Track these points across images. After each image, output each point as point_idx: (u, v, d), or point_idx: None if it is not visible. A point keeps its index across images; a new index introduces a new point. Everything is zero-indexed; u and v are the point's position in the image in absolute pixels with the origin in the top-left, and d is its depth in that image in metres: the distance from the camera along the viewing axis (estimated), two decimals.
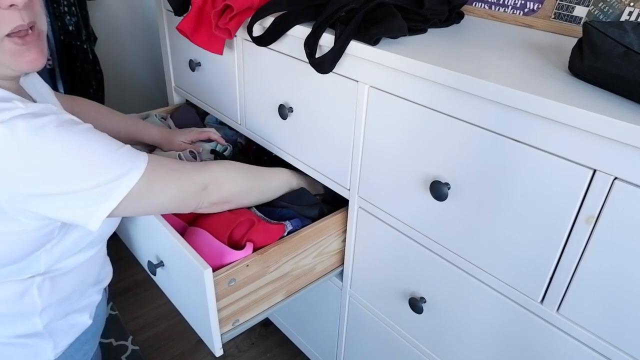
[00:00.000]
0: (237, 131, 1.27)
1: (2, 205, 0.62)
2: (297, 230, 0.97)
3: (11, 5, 0.63)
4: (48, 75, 1.65)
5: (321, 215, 1.03)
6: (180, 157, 1.19)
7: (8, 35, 0.64)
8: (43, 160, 0.62)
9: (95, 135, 0.69)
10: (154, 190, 0.74)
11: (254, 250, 0.91)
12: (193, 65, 1.28)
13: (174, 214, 1.01)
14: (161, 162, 0.77)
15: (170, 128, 1.39)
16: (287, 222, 0.97)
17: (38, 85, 0.86)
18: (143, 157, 0.73)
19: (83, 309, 0.87)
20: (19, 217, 0.65)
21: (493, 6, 1.00)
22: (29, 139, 0.60)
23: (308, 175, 1.07)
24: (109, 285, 0.98)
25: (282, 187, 1.03)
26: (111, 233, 0.89)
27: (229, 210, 1.04)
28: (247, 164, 0.96)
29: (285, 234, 0.96)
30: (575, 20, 0.90)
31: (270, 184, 1.00)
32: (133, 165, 0.70)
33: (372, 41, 0.77)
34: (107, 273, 0.95)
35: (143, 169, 0.71)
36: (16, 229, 0.66)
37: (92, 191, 0.66)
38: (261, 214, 1.01)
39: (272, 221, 0.98)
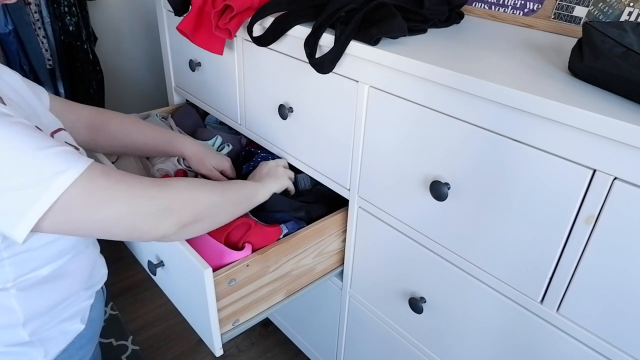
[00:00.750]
0: (239, 132, 1.27)
1: None
2: (292, 233, 0.97)
3: None
4: (48, 75, 1.65)
5: (310, 217, 1.03)
6: (178, 162, 1.19)
7: None
8: None
9: (23, 129, 0.58)
10: (91, 202, 0.61)
11: (252, 251, 0.91)
12: (193, 65, 1.28)
13: None
14: (107, 171, 0.64)
15: (171, 128, 1.39)
16: (283, 225, 0.97)
17: (16, 92, 0.79)
18: (82, 160, 0.61)
19: (74, 316, 0.81)
20: None
21: (493, 6, 1.00)
22: None
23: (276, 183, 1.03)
24: (109, 285, 0.97)
25: (254, 195, 0.94)
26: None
27: None
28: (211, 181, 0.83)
29: (282, 236, 0.96)
30: (575, 20, 0.90)
31: (242, 193, 0.90)
32: (67, 167, 0.58)
33: (372, 41, 0.77)
34: (100, 276, 0.88)
35: (78, 173, 0.59)
36: None
37: (12, 194, 0.55)
38: (256, 219, 1.01)
39: (267, 224, 0.98)
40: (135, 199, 0.66)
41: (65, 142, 0.80)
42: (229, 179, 1.13)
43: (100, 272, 0.89)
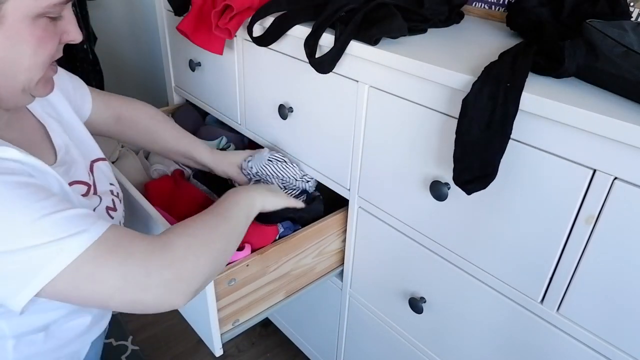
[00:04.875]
0: (239, 133, 1.27)
1: None
2: (288, 233, 0.97)
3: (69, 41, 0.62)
4: None
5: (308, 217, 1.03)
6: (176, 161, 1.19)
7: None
8: None
9: (27, 195, 0.53)
10: (86, 277, 0.55)
11: (252, 251, 0.91)
12: (193, 65, 1.28)
13: (171, 213, 1.01)
14: (115, 240, 0.57)
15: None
16: (279, 224, 0.97)
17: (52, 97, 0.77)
18: (86, 234, 0.55)
19: (66, 356, 0.75)
20: None
21: (493, 6, 1.00)
22: None
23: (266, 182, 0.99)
24: None
25: (250, 212, 0.82)
26: None
27: None
28: (199, 219, 0.71)
29: (277, 237, 0.95)
30: None
31: (239, 219, 0.77)
32: (82, 230, 0.54)
33: (372, 41, 0.77)
34: (100, 327, 0.81)
35: (82, 249, 0.54)
36: None
37: (11, 264, 0.51)
38: None
39: (264, 224, 0.98)
40: (134, 276, 0.58)
41: (104, 175, 0.80)
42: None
43: (100, 323, 0.83)
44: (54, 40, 0.60)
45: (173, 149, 1.05)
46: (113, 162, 1.16)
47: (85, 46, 1.69)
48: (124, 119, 1.00)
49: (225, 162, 1.06)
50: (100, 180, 0.78)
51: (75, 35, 0.62)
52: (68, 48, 1.66)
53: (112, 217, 0.75)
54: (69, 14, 0.61)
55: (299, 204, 0.97)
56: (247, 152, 1.08)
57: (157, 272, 0.58)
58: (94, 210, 0.72)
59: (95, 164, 0.79)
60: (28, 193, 0.54)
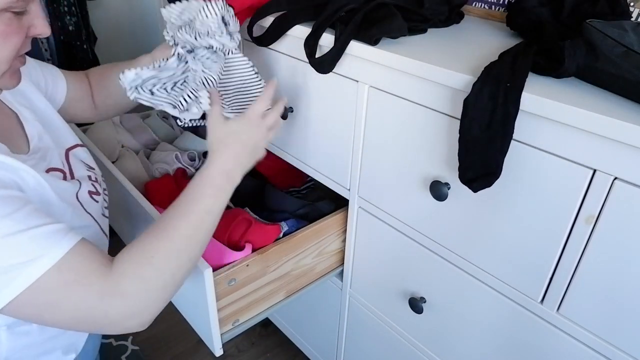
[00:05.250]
0: None
1: None
2: (293, 230, 0.97)
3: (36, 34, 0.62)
4: None
5: (315, 215, 1.03)
6: (178, 160, 1.19)
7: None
8: None
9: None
10: (51, 300, 0.56)
11: (252, 251, 0.91)
12: None
13: None
14: (83, 261, 0.58)
15: (173, 129, 1.39)
16: (283, 222, 0.97)
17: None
18: (54, 250, 0.55)
19: (62, 347, 0.75)
20: None
21: (493, 6, 1.00)
22: None
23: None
24: None
25: (216, 202, 0.71)
26: None
27: (227, 210, 1.04)
28: (157, 232, 0.65)
29: (281, 235, 0.96)
30: None
31: (198, 218, 0.69)
32: (38, 256, 0.55)
33: (372, 41, 0.77)
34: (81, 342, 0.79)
35: (48, 266, 0.54)
36: None
37: None
38: (256, 216, 1.01)
39: (267, 222, 0.99)
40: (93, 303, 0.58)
41: (81, 161, 0.80)
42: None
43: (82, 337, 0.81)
44: (19, 34, 0.60)
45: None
46: (113, 162, 1.15)
47: (85, 46, 1.69)
48: (95, 87, 0.96)
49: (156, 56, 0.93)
50: (77, 167, 0.77)
51: (42, 29, 0.62)
52: (68, 48, 1.66)
53: (97, 201, 0.76)
54: (35, 8, 0.61)
55: (278, 109, 0.81)
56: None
57: (110, 306, 0.58)
58: (77, 193, 0.71)
59: (71, 152, 0.79)
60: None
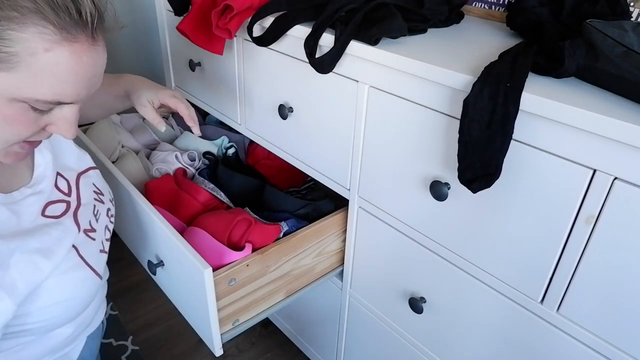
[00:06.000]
0: (240, 133, 1.27)
1: None
2: (293, 230, 0.97)
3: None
4: None
5: (315, 215, 1.03)
6: (178, 160, 1.19)
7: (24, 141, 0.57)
8: None
9: None
10: None
11: (252, 251, 0.91)
12: (193, 65, 1.28)
13: (172, 213, 1.01)
14: None
15: (173, 129, 1.39)
16: (283, 222, 0.97)
17: None
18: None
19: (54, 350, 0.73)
20: None
21: (493, 6, 1.00)
22: None
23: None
24: (109, 284, 0.95)
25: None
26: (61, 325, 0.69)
27: (227, 210, 1.05)
28: None
29: (282, 234, 0.96)
30: None
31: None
32: None
33: (372, 41, 0.77)
34: (95, 323, 0.81)
35: None
36: None
37: None
38: (256, 216, 1.01)
39: (268, 222, 0.99)
40: None
41: (93, 184, 0.78)
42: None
43: (98, 319, 0.82)
44: (29, 127, 0.55)
45: (108, 99, 0.96)
46: (113, 162, 1.15)
47: None
48: None
49: (142, 100, 0.93)
50: (85, 193, 0.75)
51: (64, 132, 0.57)
52: None
53: (93, 239, 0.72)
54: (68, 112, 0.56)
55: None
56: (166, 92, 0.95)
57: None
58: (72, 243, 0.67)
59: (83, 175, 0.77)
60: None
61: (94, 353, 0.86)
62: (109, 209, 0.80)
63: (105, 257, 0.77)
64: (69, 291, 0.65)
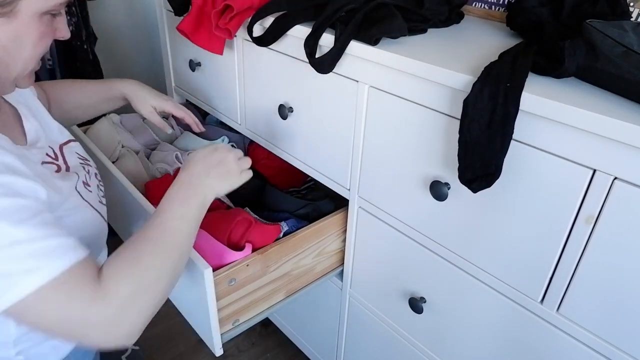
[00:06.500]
0: (240, 133, 1.27)
1: None
2: (293, 230, 0.97)
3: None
4: (48, 75, 1.65)
5: (315, 215, 1.03)
6: (178, 160, 1.19)
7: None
8: None
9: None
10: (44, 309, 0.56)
11: (253, 251, 0.91)
12: (193, 65, 1.28)
13: None
14: (78, 280, 0.58)
15: (172, 128, 1.39)
16: (283, 222, 0.97)
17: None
18: (56, 263, 0.56)
19: None
20: None
21: (493, 6, 1.00)
22: None
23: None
24: None
25: (200, 209, 0.74)
26: None
27: (227, 210, 1.05)
28: (141, 250, 0.66)
29: (282, 234, 0.96)
30: None
31: (178, 238, 0.70)
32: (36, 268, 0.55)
33: (372, 41, 0.77)
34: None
35: (45, 280, 0.55)
36: None
37: None
38: (256, 216, 1.01)
39: (268, 222, 0.99)
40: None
41: (76, 153, 0.81)
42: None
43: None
44: (51, 36, 0.64)
45: (99, 102, 1.05)
46: (113, 162, 1.15)
47: (85, 46, 1.69)
48: (52, 101, 0.98)
49: (146, 107, 1.04)
50: (71, 159, 0.79)
51: (64, 32, 0.66)
52: (68, 48, 1.66)
53: (90, 191, 0.77)
54: (60, 18, 0.65)
55: (246, 165, 0.82)
56: (169, 102, 1.06)
57: (97, 322, 0.59)
58: (75, 187, 0.72)
59: (65, 146, 0.80)
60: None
61: (92, 351, 0.86)
62: (96, 174, 0.84)
63: (105, 209, 0.82)
64: (79, 229, 0.69)
